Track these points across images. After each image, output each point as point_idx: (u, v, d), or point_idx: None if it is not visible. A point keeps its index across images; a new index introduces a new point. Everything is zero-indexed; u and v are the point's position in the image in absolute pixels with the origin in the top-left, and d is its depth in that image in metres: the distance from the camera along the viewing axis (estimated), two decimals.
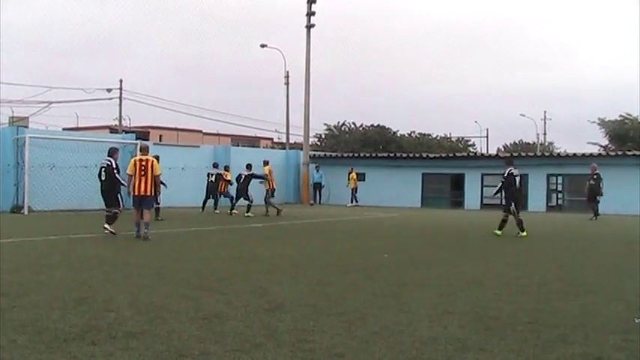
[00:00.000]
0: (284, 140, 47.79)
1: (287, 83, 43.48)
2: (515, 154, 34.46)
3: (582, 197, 26.01)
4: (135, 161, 13.26)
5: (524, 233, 14.76)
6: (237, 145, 49.05)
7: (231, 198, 23.06)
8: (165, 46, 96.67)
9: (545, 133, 71.96)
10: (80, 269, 8.64)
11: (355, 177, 32.03)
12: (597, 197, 22.54)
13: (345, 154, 38.27)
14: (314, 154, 36.81)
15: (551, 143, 71.50)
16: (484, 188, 30.46)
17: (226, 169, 24.15)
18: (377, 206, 29.97)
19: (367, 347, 4.89)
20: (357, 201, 31.31)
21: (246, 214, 20.94)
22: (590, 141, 50.33)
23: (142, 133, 38.94)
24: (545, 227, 18.81)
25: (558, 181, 30.33)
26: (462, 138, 64.73)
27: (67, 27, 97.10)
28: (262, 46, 42.21)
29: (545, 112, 71.92)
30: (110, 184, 13.90)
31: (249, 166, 21.99)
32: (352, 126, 55.91)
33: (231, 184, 23.35)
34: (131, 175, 13.18)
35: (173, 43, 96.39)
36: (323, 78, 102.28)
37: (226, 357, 4.57)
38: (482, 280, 8.36)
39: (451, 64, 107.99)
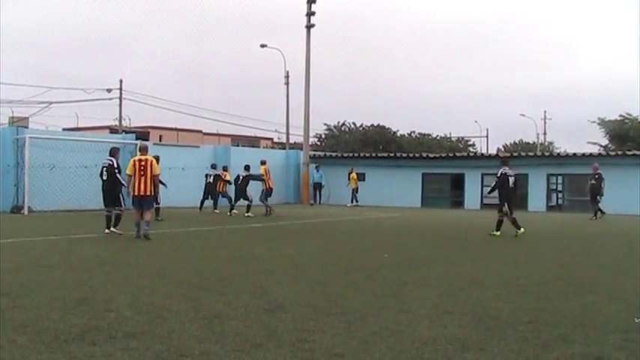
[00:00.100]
0: (284, 140, 47.78)
1: (287, 83, 43.48)
2: (515, 154, 34.51)
3: (582, 197, 26.03)
4: (134, 161, 13.30)
5: (522, 230, 14.76)
6: (237, 145, 49.05)
7: (229, 199, 23.07)
8: (166, 46, 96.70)
9: (545, 133, 72.06)
10: (80, 269, 8.65)
11: (355, 177, 32.03)
12: (597, 197, 22.55)
13: (345, 154, 38.26)
14: (314, 154, 36.81)
15: (551, 143, 71.56)
16: (484, 188, 30.40)
17: (225, 169, 24.17)
18: (377, 206, 29.96)
19: (367, 347, 4.89)
20: (357, 201, 31.31)
21: (246, 214, 20.95)
22: (590, 141, 50.36)
23: (142, 134, 38.94)
24: (545, 227, 18.82)
25: (558, 181, 30.32)
26: (462, 138, 64.76)
27: (67, 27, 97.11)
28: (262, 46, 42.22)
29: (545, 112, 72.01)
30: (111, 184, 13.93)
31: (247, 167, 22.00)
32: (352, 126, 55.91)
33: (230, 184, 23.37)
34: (130, 176, 13.24)
35: (173, 43, 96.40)
36: (323, 78, 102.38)
37: (226, 357, 4.57)
38: (483, 279, 8.36)
39: (451, 63, 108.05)
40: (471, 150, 60.14)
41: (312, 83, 34.64)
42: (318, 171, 33.39)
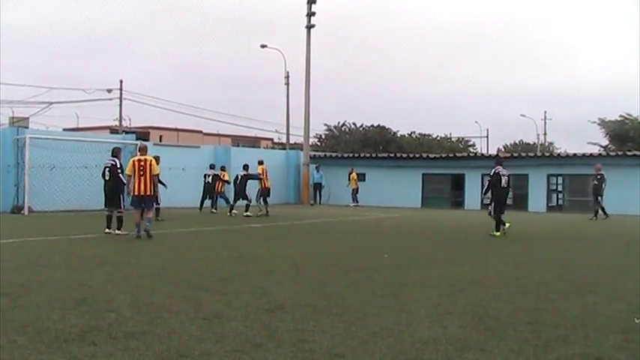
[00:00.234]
0: (284, 140, 47.77)
1: (287, 83, 43.47)
2: (515, 155, 34.51)
3: (582, 197, 26.02)
4: (133, 161, 13.37)
5: (500, 231, 14.80)
6: (238, 146, 49.04)
7: (227, 199, 23.08)
8: (166, 46, 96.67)
9: (545, 134, 72.02)
10: (80, 270, 8.65)
11: (356, 177, 32.04)
12: (598, 197, 22.58)
13: (346, 155, 38.24)
14: (314, 155, 36.80)
15: (551, 143, 71.55)
16: (484, 188, 30.42)
17: (223, 169, 24.18)
18: (377, 206, 29.95)
19: (367, 347, 4.89)
20: (357, 201, 31.31)
21: (245, 214, 20.95)
22: (591, 141, 50.32)
23: (143, 134, 38.94)
24: (545, 227, 18.82)
25: (558, 182, 30.31)
26: (462, 138, 64.77)
27: (67, 27, 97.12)
28: (262, 46, 42.22)
29: (545, 112, 71.93)
30: (114, 184, 13.95)
31: (245, 167, 22.00)
32: (352, 126, 55.90)
33: (228, 184, 23.38)
34: (130, 176, 13.32)
35: (173, 43, 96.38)
36: (323, 78, 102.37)
37: (227, 357, 4.57)
38: (483, 280, 8.36)
39: (451, 64, 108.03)
40: (471, 150, 60.15)
41: (312, 83, 34.68)
42: (318, 171, 33.37)
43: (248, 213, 21.02)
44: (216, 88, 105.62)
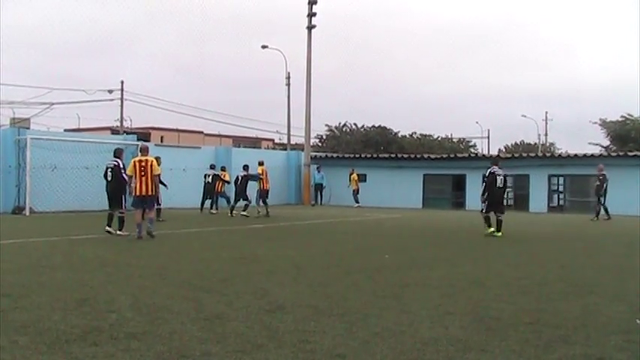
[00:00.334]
0: (285, 141, 47.83)
1: (288, 84, 43.55)
2: (516, 155, 34.49)
3: (583, 198, 26.00)
4: (134, 162, 13.41)
5: (491, 229, 14.87)
6: (239, 146, 49.09)
7: (228, 199, 23.07)
8: (167, 47, 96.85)
9: (546, 134, 72.01)
10: (81, 270, 8.65)
11: (356, 178, 32.02)
12: (600, 197, 22.58)
13: (347, 155, 38.23)
14: (315, 155, 36.78)
15: (552, 144, 71.56)
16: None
17: (223, 169, 24.18)
18: (378, 207, 29.94)
19: (368, 348, 4.89)
20: (358, 202, 31.30)
21: (242, 213, 20.91)
22: (592, 141, 50.31)
23: (144, 134, 38.94)
24: (546, 228, 18.81)
25: (559, 182, 30.28)
26: (464, 139, 64.81)
27: (68, 28, 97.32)
28: (263, 47, 42.28)
29: (546, 112, 71.95)
30: (116, 185, 13.97)
31: (245, 167, 21.98)
32: (353, 127, 55.94)
33: (228, 184, 23.38)
34: (131, 176, 13.38)
35: (174, 44, 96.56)
36: (324, 79, 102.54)
37: (228, 358, 4.58)
38: (484, 280, 8.35)
39: (452, 64, 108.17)
40: (472, 151, 60.18)
41: (313, 84, 34.66)
42: (319, 172, 33.35)
43: (245, 213, 20.97)
44: (217, 88, 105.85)
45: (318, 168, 33.56)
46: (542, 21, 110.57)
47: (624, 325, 5.73)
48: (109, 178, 14.04)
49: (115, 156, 14.34)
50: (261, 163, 22.51)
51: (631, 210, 24.85)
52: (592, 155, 30.27)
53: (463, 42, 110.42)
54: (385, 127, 55.41)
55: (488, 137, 70.00)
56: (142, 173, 13.19)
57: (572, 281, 8.44)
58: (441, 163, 32.94)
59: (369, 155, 37.44)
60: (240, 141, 63.38)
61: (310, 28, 34.64)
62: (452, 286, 7.80)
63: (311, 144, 37.48)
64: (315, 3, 34.59)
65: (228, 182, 23.43)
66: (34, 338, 4.97)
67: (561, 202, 30.21)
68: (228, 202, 22.86)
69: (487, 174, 15.27)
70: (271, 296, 6.89)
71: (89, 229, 14.71)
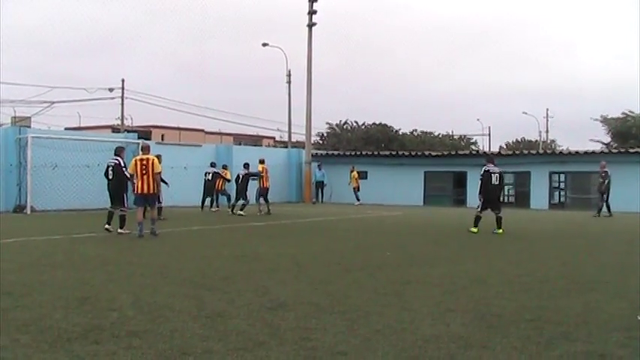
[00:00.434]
0: (286, 139, 47.82)
1: (289, 82, 43.52)
2: (517, 152, 34.44)
3: (584, 195, 25.96)
4: (136, 161, 13.45)
5: (475, 229, 14.86)
6: (240, 144, 49.11)
7: (228, 197, 23.05)
8: (167, 45, 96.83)
9: (547, 131, 71.97)
10: (83, 269, 8.66)
11: (357, 175, 32.01)
12: (602, 194, 22.58)
13: (348, 153, 38.23)
14: (316, 153, 36.79)
15: (553, 141, 71.45)
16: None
17: (225, 167, 24.18)
18: (379, 204, 29.95)
19: (370, 345, 4.89)
20: (358, 199, 31.30)
21: (239, 213, 20.86)
22: (593, 138, 50.25)
23: (144, 133, 39.01)
24: (547, 225, 18.80)
25: (560, 179, 30.30)
26: (464, 136, 64.71)
27: (68, 27, 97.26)
28: (264, 44, 42.27)
29: (547, 109, 71.92)
30: (117, 183, 14.00)
31: (246, 165, 21.97)
32: (354, 124, 55.83)
33: (229, 182, 23.38)
34: (133, 175, 13.42)
35: (175, 42, 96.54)
36: (325, 76, 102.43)
37: (229, 355, 4.58)
38: (485, 277, 8.35)
39: (452, 62, 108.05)
40: (473, 148, 60.09)
41: (313, 82, 34.67)
42: (320, 169, 33.36)
43: (242, 212, 20.91)
44: (217, 86, 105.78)
45: (319, 166, 33.56)
46: (542, 19, 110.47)
47: (626, 322, 5.73)
48: (110, 177, 14.08)
49: (115, 154, 14.39)
50: (261, 161, 22.49)
51: (632, 207, 24.85)
52: (593, 152, 30.25)
53: (464, 40, 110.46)
54: (386, 125, 55.32)
55: (490, 134, 70.09)
56: (144, 171, 13.23)
57: (573, 278, 8.44)
58: (442, 161, 32.93)
59: (370, 153, 37.42)
60: (241, 139, 63.39)
61: (311, 25, 34.63)
62: (453, 284, 7.79)
63: (312, 142, 37.47)
64: (316, 1, 34.58)
65: (229, 181, 23.44)
66: (36, 337, 4.97)
67: (562, 199, 30.21)
68: (229, 200, 22.87)
69: (482, 172, 15.24)
70: (273, 294, 6.89)
71: (90, 228, 14.72)
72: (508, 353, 4.73)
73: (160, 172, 13.71)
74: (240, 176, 21.64)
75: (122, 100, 48.17)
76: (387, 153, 37.06)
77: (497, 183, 15.16)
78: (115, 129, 49.27)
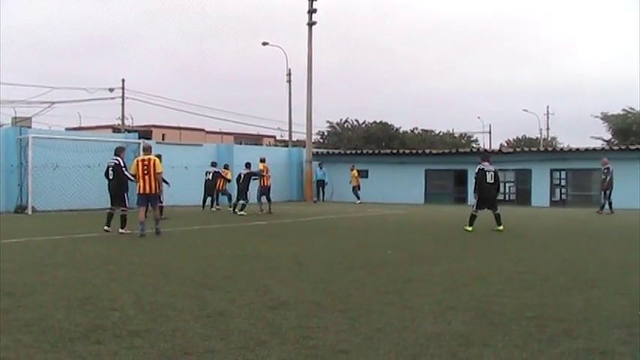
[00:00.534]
0: (287, 138, 47.83)
1: (289, 81, 43.52)
2: (518, 150, 34.45)
3: (585, 192, 25.94)
4: (137, 161, 13.52)
5: (470, 228, 14.83)
6: (240, 144, 49.09)
7: (229, 196, 23.04)
8: (167, 45, 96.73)
9: (548, 128, 71.91)
10: (84, 269, 8.67)
11: (356, 174, 31.99)
12: (605, 191, 22.56)
13: (348, 151, 38.23)
14: (317, 152, 36.79)
15: (554, 138, 71.43)
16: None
17: (226, 167, 24.17)
18: (380, 203, 29.95)
19: (371, 343, 4.90)
20: (358, 198, 31.29)
21: (239, 213, 20.86)
22: (594, 135, 50.22)
23: (145, 132, 38.94)
24: (548, 222, 18.79)
25: (562, 176, 30.26)
26: (465, 134, 64.61)
27: (69, 27, 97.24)
28: (264, 44, 42.26)
29: (547, 107, 71.84)
30: (118, 183, 14.02)
31: (247, 165, 21.96)
32: (355, 123, 55.81)
33: (229, 182, 23.38)
34: (134, 175, 13.45)
35: (175, 41, 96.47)
36: (325, 75, 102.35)
37: (231, 354, 4.58)
38: (486, 275, 8.35)
39: (453, 59, 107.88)
40: (474, 146, 60.01)
41: (314, 80, 34.65)
42: (321, 168, 33.36)
43: (242, 212, 20.90)
44: (218, 86, 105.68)
45: (320, 164, 33.55)
46: (542, 16, 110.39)
47: (627, 319, 5.73)
48: (110, 177, 14.09)
49: (115, 154, 14.41)
50: (262, 160, 22.50)
51: (633, 203, 24.82)
52: (594, 149, 30.24)
53: (464, 38, 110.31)
54: (387, 123, 55.30)
55: (490, 132, 70.01)
56: (145, 172, 13.27)
57: (574, 275, 8.44)
58: (443, 159, 32.92)
59: (370, 151, 37.43)
60: (241, 138, 63.36)
61: (311, 24, 34.61)
62: (454, 282, 7.79)
63: (312, 140, 37.45)
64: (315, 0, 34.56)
65: (230, 181, 23.44)
66: (38, 337, 4.98)
67: (563, 197, 30.17)
68: (230, 199, 22.88)
69: (476, 170, 15.18)
70: (274, 293, 6.90)
71: (91, 228, 14.72)
72: (509, 351, 4.73)
73: (161, 172, 13.72)
74: (242, 175, 21.64)
75: (122, 100, 48.18)
76: (388, 151, 37.07)
77: (491, 181, 15.06)
78: (115, 129, 49.30)
